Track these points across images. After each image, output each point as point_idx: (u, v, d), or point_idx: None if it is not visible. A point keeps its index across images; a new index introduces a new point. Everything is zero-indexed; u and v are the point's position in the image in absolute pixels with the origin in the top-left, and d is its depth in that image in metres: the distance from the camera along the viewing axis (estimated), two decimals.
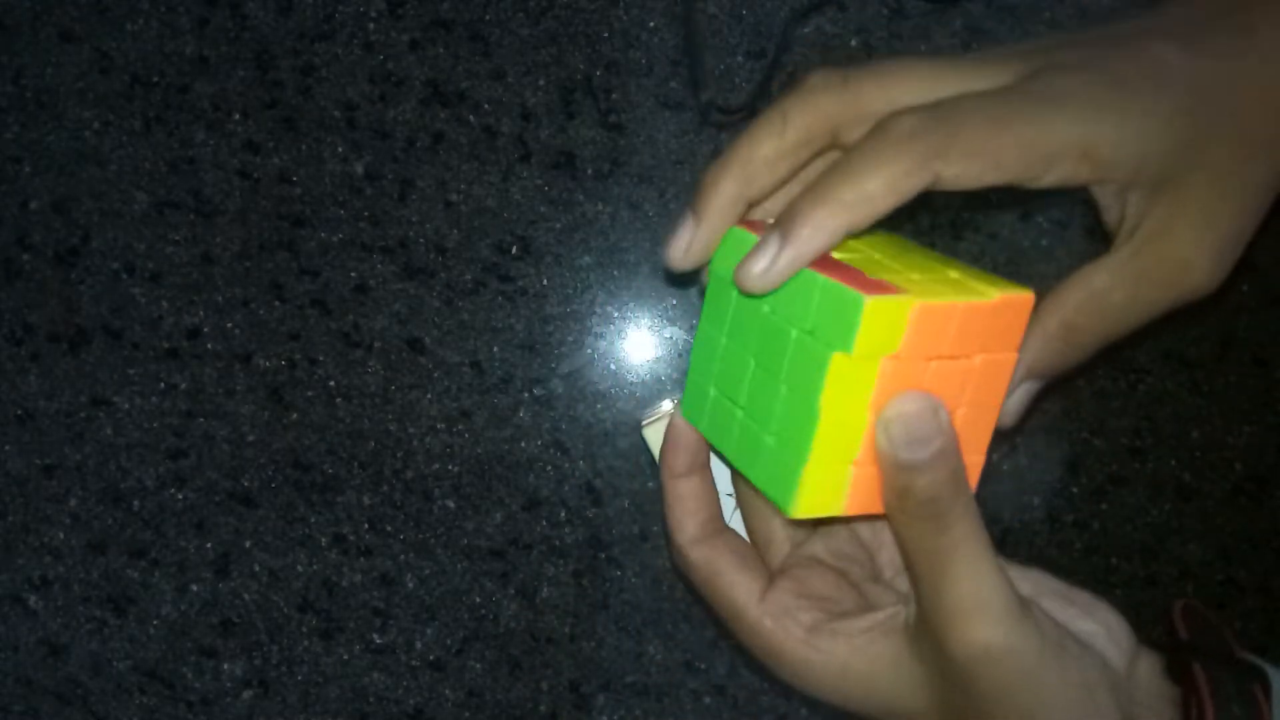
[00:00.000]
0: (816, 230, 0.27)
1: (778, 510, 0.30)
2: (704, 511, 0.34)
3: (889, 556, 0.35)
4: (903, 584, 0.34)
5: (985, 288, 0.28)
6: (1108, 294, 0.30)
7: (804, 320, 0.27)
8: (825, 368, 0.26)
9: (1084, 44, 0.28)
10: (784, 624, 0.31)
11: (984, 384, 0.28)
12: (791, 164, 0.30)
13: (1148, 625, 0.57)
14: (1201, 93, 0.27)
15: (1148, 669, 0.31)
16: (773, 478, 0.29)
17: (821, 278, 0.27)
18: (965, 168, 0.27)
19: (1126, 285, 0.29)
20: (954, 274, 0.29)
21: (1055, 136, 0.27)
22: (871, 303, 0.25)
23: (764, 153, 0.29)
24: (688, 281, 0.57)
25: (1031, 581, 0.32)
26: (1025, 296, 0.28)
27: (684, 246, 0.31)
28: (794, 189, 0.31)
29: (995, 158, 0.27)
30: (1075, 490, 0.57)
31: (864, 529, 0.35)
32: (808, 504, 0.28)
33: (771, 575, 0.33)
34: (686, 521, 0.33)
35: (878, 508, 0.29)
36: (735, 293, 0.30)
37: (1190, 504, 0.57)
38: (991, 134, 0.27)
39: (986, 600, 0.27)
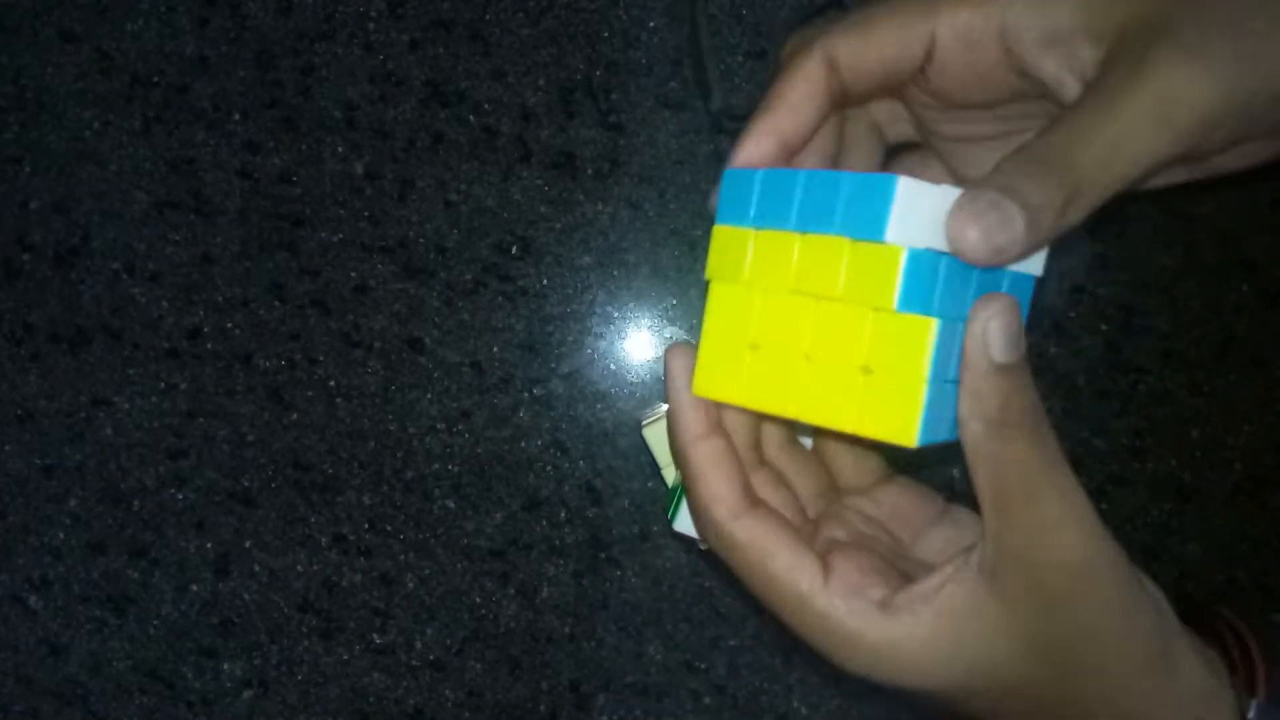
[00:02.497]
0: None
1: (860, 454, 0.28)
2: (739, 477, 0.29)
3: (906, 527, 0.33)
4: (924, 552, 0.32)
5: None
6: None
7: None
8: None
9: None
10: (858, 605, 0.28)
11: None
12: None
13: None
14: None
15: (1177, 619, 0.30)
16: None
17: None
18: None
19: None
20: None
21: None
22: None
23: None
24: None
25: None
26: None
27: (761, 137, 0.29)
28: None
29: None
30: None
31: (870, 506, 0.33)
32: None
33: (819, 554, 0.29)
34: (724, 491, 0.29)
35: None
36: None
37: (1190, 504, 0.57)
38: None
39: (1083, 513, 0.26)
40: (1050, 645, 0.27)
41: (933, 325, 0.25)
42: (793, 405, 0.28)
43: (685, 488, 0.30)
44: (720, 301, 0.29)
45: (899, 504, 0.33)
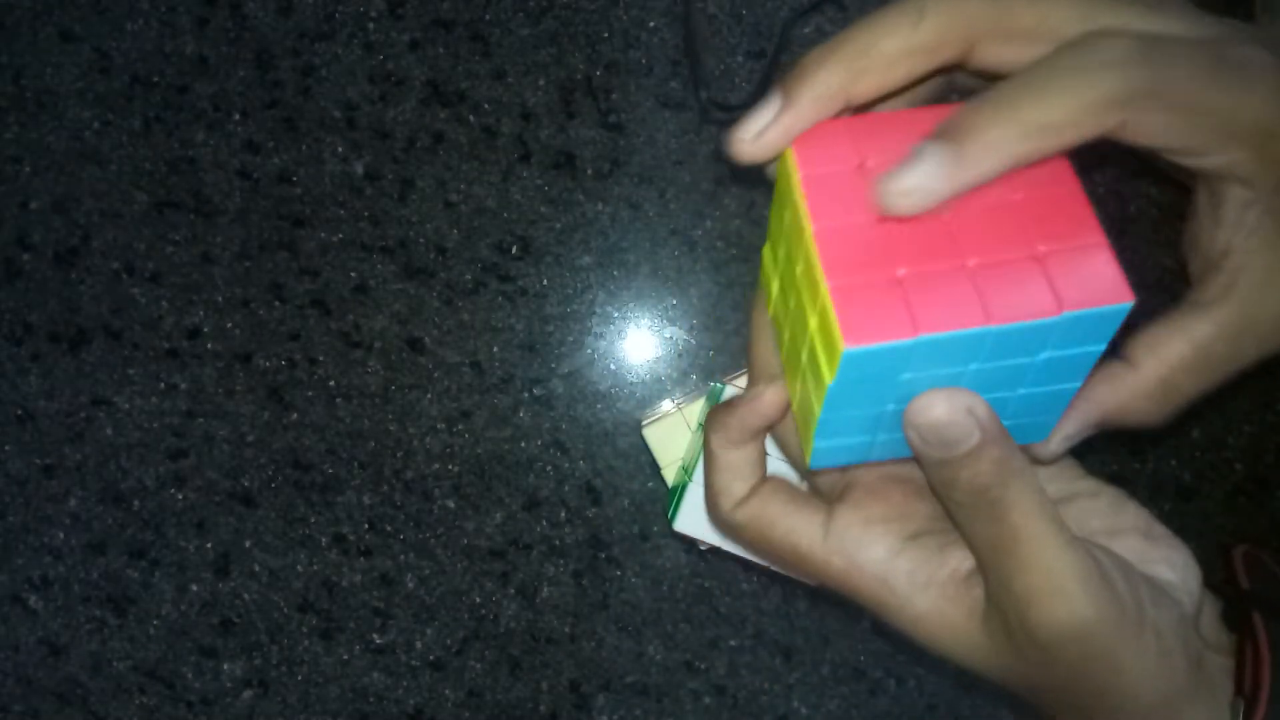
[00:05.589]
0: (990, 151, 0.23)
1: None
2: (754, 476, 0.31)
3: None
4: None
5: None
6: (1211, 347, 0.27)
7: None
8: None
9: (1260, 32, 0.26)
10: (855, 561, 0.29)
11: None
12: (911, 69, 0.25)
13: None
14: None
15: (1209, 615, 0.30)
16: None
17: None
18: (1161, 121, 0.24)
19: (1229, 338, 0.27)
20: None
21: (1248, 114, 0.24)
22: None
23: (887, 46, 0.24)
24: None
25: (1115, 513, 0.30)
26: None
27: (758, 129, 0.25)
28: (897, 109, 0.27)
29: (1194, 117, 0.24)
30: None
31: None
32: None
33: (830, 504, 0.30)
34: (735, 486, 0.30)
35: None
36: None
37: (1190, 504, 0.57)
38: (1200, 90, 0.23)
39: (1060, 582, 0.25)
40: (1035, 684, 0.28)
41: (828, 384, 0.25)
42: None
43: (704, 470, 0.32)
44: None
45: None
